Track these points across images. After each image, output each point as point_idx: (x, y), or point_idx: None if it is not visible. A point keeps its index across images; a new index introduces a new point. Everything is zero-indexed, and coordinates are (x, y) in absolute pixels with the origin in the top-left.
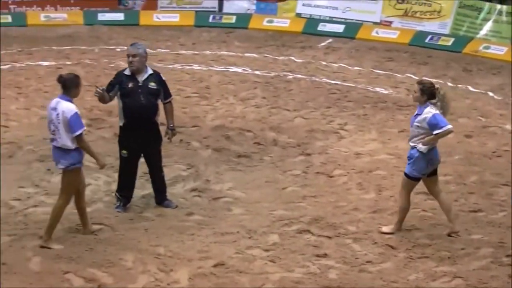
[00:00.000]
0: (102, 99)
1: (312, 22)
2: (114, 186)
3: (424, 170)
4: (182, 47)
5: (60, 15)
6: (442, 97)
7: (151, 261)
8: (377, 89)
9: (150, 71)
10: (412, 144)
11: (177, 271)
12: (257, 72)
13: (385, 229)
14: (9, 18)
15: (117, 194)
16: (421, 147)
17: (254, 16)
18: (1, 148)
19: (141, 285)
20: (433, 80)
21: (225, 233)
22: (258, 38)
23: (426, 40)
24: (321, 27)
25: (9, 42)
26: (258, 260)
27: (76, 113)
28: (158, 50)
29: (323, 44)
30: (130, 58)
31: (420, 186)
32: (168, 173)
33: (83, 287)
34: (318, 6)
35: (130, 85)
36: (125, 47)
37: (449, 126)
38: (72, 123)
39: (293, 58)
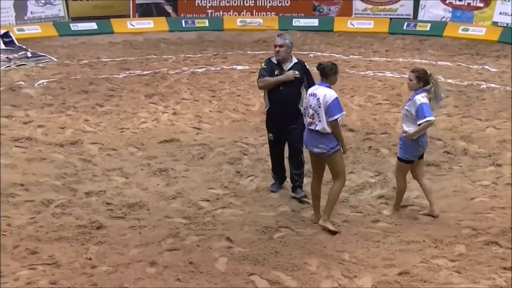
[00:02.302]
0: (266, 85)
1: (508, 31)
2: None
3: (416, 153)
4: (375, 54)
5: (255, 20)
6: (434, 82)
7: (335, 266)
8: None
9: (295, 60)
10: (404, 129)
11: (361, 277)
12: (450, 81)
13: (385, 212)
14: (206, 22)
15: (272, 175)
16: (405, 135)
17: (449, 24)
18: (193, 149)
19: None
20: None
21: (411, 241)
22: (452, 46)
23: None
24: None
25: (204, 46)
26: (444, 270)
27: (336, 98)
28: (351, 56)
29: None
30: (277, 48)
31: None
32: (356, 179)
33: None
34: None
35: (277, 72)
36: (319, 53)
37: (431, 118)
38: (332, 108)
39: (487, 67)
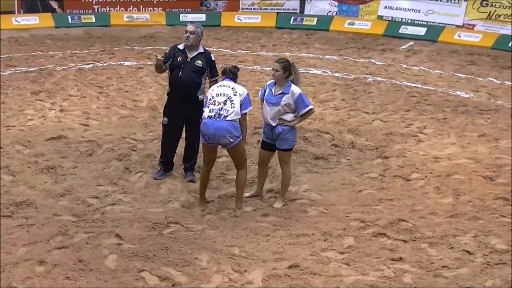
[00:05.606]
0: (160, 69)
1: (393, 25)
2: (193, 187)
3: (296, 138)
4: (262, 49)
5: (142, 16)
6: (296, 71)
7: (225, 261)
8: (458, 92)
9: (201, 50)
10: (279, 122)
11: (251, 271)
12: (336, 74)
13: (275, 205)
14: (93, 18)
15: (159, 161)
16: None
17: (335, 18)
18: (80, 146)
19: (215, 285)
20: None
21: (300, 235)
22: (338, 40)
23: (510, 44)
24: (403, 29)
25: (91, 42)
26: (333, 262)
27: (248, 93)
28: (239, 51)
29: (404, 46)
30: (188, 34)
31: (499, 191)
32: None
33: (158, 286)
34: (400, 9)
35: (179, 59)
36: (207, 48)
37: (311, 107)
38: (246, 101)
39: (373, 60)
